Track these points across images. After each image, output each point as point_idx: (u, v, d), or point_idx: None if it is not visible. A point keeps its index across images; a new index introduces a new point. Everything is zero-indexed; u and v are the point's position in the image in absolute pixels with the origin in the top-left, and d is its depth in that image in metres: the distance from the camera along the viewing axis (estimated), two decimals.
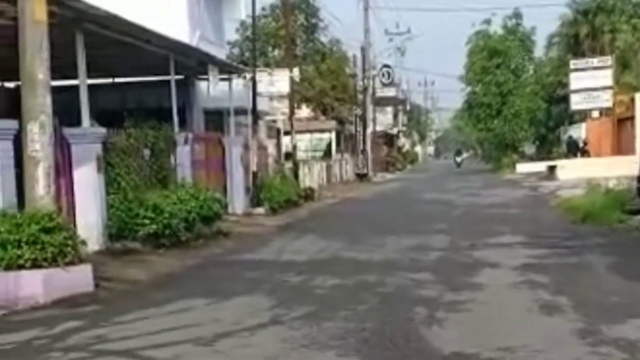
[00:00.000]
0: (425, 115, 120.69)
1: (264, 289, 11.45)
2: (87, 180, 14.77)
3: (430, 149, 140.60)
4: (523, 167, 52.62)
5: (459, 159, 76.40)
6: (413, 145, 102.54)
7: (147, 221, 15.21)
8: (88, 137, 14.97)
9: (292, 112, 34.14)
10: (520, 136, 59.44)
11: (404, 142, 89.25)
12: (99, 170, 14.99)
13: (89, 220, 14.62)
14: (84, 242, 11.71)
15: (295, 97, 36.36)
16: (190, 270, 13.83)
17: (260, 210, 24.33)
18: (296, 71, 33.92)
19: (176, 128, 19.63)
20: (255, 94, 26.73)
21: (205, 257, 15.13)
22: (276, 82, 31.24)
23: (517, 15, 60.69)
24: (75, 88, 15.20)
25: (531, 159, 60.19)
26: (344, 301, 10.22)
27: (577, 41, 58.82)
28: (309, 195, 29.96)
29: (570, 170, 36.91)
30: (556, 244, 15.35)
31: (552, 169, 41.96)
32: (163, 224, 15.44)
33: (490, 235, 17.28)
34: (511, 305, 9.80)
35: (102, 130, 15.39)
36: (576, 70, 42.98)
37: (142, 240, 15.28)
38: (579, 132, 49.40)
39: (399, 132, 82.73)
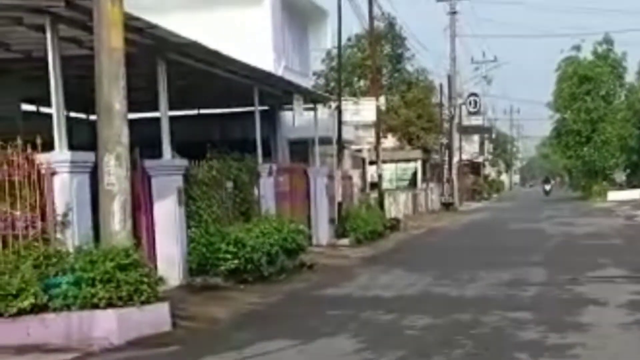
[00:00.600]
0: (511, 144, 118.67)
1: (350, 329, 10.73)
2: (167, 213, 14.31)
3: (516, 178, 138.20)
4: (614, 195, 51.08)
5: (547, 187, 74.02)
6: (499, 173, 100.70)
7: (228, 256, 14.63)
8: (169, 169, 14.53)
9: (378, 141, 33.45)
10: (611, 163, 57.70)
11: (489, 170, 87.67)
12: (180, 203, 14.51)
13: (169, 255, 14.18)
14: (161, 280, 11.14)
15: (381, 126, 35.62)
16: (272, 307, 13.18)
17: (344, 241, 23.71)
18: (382, 99, 33.26)
19: (260, 159, 19.15)
20: (340, 122, 26.19)
21: (288, 293, 14.48)
22: (362, 110, 30.56)
23: (608, 40, 59.19)
24: (158, 120, 14.78)
25: (620, 186, 58.37)
26: (436, 344, 9.44)
27: None
28: (394, 225, 29.17)
29: None
30: None
31: None
32: (245, 258, 14.85)
33: (590, 268, 16.29)
34: (626, 350, 8.91)
35: (184, 162, 14.93)
36: None
37: (223, 275, 14.73)
38: None
39: (484, 160, 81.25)
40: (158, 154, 14.52)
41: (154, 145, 14.56)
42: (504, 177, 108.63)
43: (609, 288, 13.57)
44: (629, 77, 60.91)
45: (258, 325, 11.56)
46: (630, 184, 57.86)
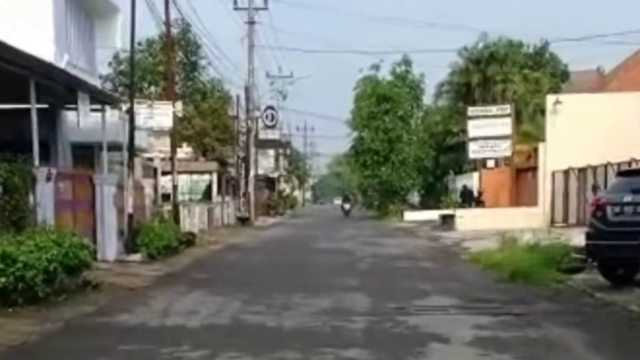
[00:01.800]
0: (304, 161, 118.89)
1: None
2: None
3: (308, 195, 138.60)
4: (411, 216, 51.06)
5: (347, 206, 67.16)
6: (292, 189, 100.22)
7: None
8: None
9: (174, 150, 31.04)
10: (408, 184, 57.73)
11: (284, 186, 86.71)
12: None
13: None
14: None
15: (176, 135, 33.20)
16: (48, 338, 10.60)
17: (136, 257, 21.24)
18: (179, 105, 30.83)
19: (37, 162, 16.41)
20: (132, 127, 23.49)
21: (69, 320, 11.87)
22: (157, 115, 28.00)
23: (406, 61, 59.60)
24: None
25: (413, 207, 58.53)
26: None
27: (468, 90, 57.81)
28: (190, 240, 26.82)
29: (470, 220, 34.93)
30: (500, 310, 12.71)
31: (446, 218, 40.05)
32: (15, 276, 12.18)
33: (415, 295, 14.59)
34: None
35: None
36: (474, 117, 40.93)
37: None
38: (470, 181, 47.85)
39: (279, 176, 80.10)
40: None
41: None
42: (297, 194, 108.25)
43: (445, 320, 11.87)
44: (427, 99, 61.63)
45: None
46: (424, 205, 58.09)
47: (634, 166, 24.88)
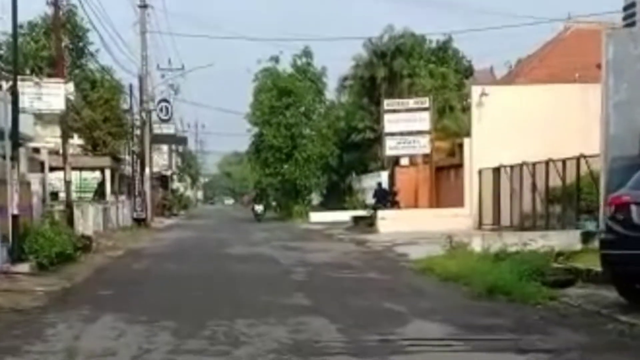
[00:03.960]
0: (195, 159, 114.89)
1: None
2: None
3: (200, 194, 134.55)
4: (317, 217, 48.39)
5: (258, 208, 55.39)
6: (185, 189, 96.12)
7: None
8: None
9: (65, 139, 27.29)
10: (312, 182, 54.71)
11: (178, 185, 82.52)
12: None
13: None
14: None
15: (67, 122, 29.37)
16: None
17: (23, 267, 17.83)
18: (71, 86, 27.03)
19: None
20: (16, 109, 19.68)
21: None
22: (46, 95, 24.17)
23: (307, 53, 56.54)
24: None
25: (314, 207, 55.67)
26: None
27: (373, 84, 55.09)
28: (86, 245, 23.19)
29: (392, 222, 32.17)
30: (521, 343, 9.55)
31: (358, 220, 37.32)
32: None
33: (389, 319, 11.42)
34: None
35: None
36: (390, 111, 37.82)
37: None
38: (378, 180, 45.10)
39: (172, 174, 75.92)
40: None
41: None
42: (189, 193, 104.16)
43: None
44: (328, 94, 58.83)
45: None
46: (326, 206, 55.28)
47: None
